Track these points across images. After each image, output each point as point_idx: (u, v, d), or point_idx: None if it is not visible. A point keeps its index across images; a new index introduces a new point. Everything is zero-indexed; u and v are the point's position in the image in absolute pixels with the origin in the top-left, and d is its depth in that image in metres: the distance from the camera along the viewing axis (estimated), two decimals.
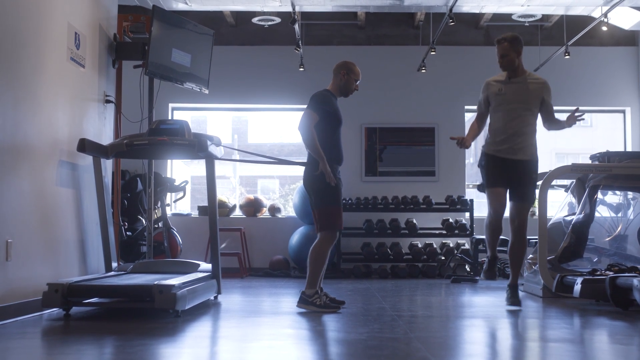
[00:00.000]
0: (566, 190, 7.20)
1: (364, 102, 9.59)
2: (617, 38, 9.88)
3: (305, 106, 5.21)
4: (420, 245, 9.16)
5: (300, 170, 5.31)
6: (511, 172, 5.38)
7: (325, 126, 5.12)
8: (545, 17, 9.57)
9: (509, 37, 5.42)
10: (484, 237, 8.38)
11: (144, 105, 6.87)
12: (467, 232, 9.07)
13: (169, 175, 9.55)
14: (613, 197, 7.28)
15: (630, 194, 7.09)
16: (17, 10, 4.76)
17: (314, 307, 5.04)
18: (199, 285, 5.21)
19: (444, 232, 9.20)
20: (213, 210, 5.71)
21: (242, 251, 9.17)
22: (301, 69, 9.27)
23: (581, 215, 6.35)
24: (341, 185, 5.22)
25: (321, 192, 5.10)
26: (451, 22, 7.58)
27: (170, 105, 9.76)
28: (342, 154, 5.24)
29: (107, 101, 6.49)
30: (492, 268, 5.57)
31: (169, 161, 9.63)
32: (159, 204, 8.33)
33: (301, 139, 5.14)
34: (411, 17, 9.89)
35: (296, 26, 7.89)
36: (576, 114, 5.34)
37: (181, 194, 8.82)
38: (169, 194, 8.92)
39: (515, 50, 5.39)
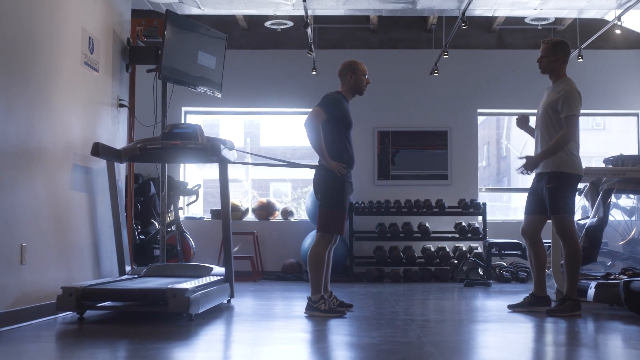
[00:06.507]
0: (579, 194, 7.16)
1: (377, 105, 9.59)
2: (631, 41, 9.82)
3: None
4: (432, 249, 9.13)
5: (311, 174, 5.31)
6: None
7: (335, 129, 5.12)
8: (559, 20, 9.53)
9: (553, 39, 5.40)
10: (497, 240, 8.42)
11: (157, 109, 6.90)
12: (480, 236, 9.04)
13: (181, 179, 9.59)
14: (627, 201, 7.24)
15: None
16: (32, 15, 4.80)
17: (318, 312, 5.00)
18: (212, 289, 5.22)
19: (457, 235, 9.18)
20: (226, 213, 5.71)
21: (254, 255, 9.18)
22: (314, 73, 9.27)
23: (595, 219, 6.31)
24: (351, 191, 5.21)
25: (328, 194, 5.11)
26: (464, 25, 7.57)
27: (183, 109, 9.80)
28: (353, 157, 5.22)
29: (121, 105, 6.53)
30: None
31: (181, 165, 9.66)
32: (171, 208, 8.37)
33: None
34: (424, 20, 9.88)
35: (309, 30, 7.90)
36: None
37: (194, 197, 8.86)
38: (181, 198, 8.96)
39: (554, 53, 5.32)
